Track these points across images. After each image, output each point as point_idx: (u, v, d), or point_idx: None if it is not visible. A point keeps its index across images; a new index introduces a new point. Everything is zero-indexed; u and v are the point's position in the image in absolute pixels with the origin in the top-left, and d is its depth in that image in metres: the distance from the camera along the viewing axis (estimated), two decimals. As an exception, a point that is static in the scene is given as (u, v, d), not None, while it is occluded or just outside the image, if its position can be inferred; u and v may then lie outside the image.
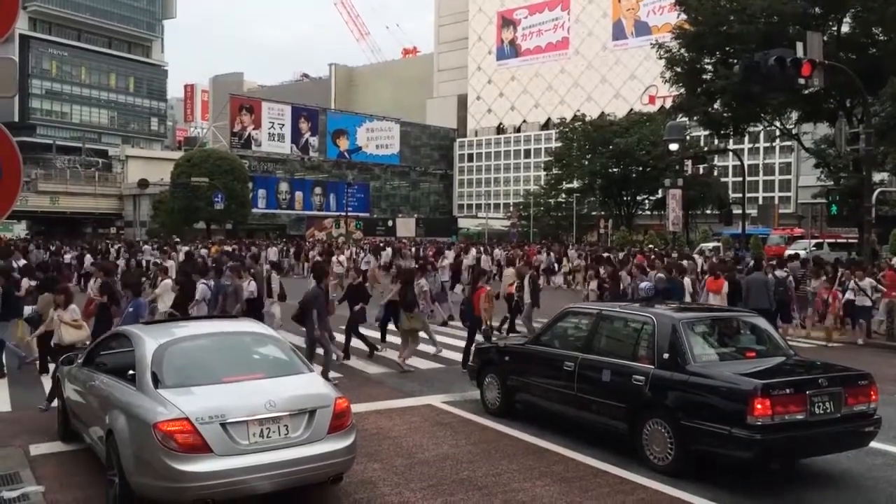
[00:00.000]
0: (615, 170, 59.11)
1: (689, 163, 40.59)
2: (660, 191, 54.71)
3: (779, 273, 17.36)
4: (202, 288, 13.47)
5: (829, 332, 16.61)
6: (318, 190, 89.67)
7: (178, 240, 44.50)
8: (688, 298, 15.75)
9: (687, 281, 16.59)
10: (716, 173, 65.71)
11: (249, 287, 13.67)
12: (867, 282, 16.58)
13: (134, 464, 5.79)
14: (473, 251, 32.27)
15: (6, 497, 6.38)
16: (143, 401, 6.02)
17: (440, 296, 19.22)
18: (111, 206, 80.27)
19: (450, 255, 34.14)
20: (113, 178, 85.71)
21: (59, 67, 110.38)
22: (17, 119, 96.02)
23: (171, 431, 5.60)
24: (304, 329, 11.98)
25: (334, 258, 25.14)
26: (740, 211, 33.64)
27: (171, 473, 5.56)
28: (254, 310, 13.01)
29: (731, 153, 47.56)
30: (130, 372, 6.44)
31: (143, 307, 10.48)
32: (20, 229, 72.30)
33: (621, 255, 28.30)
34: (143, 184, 75.16)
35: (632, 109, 79.43)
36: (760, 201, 78.94)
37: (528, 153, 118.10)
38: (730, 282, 15.80)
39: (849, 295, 16.74)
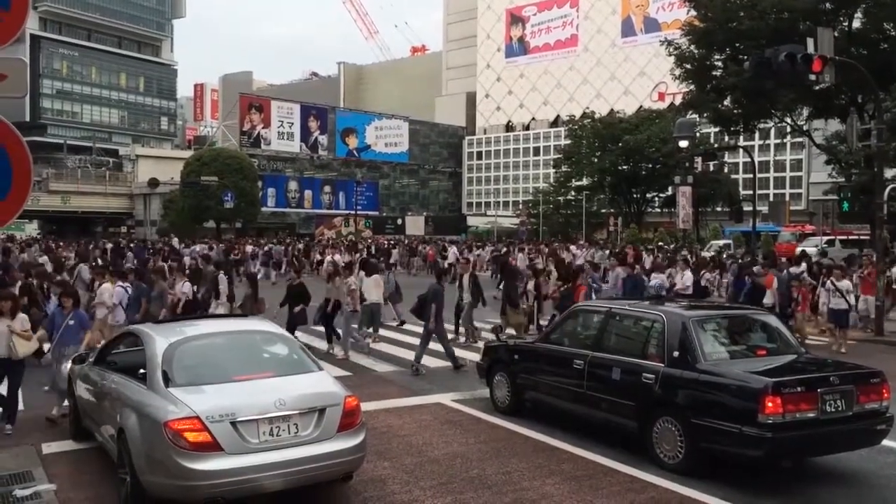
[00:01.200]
0: (625, 167, 58.94)
1: (699, 160, 40.36)
2: (669, 188, 54.52)
3: (793, 270, 17.24)
4: (118, 291, 12.53)
5: (801, 331, 15.81)
6: (327, 188, 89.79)
7: (175, 240, 42.33)
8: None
9: (709, 276, 16.56)
10: (726, 170, 65.32)
11: (183, 288, 13.24)
12: (844, 283, 15.65)
13: (145, 462, 5.82)
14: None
15: (19, 495, 6.42)
16: (153, 399, 6.05)
17: (394, 296, 18.22)
18: (122, 206, 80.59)
19: (450, 254, 33.91)
20: (123, 177, 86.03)
21: (69, 67, 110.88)
22: (28, 119, 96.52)
23: (182, 430, 5.63)
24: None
25: (328, 258, 25.00)
26: (751, 208, 33.47)
27: (181, 472, 5.59)
28: (190, 312, 12.38)
29: (741, 150, 47.34)
30: (141, 371, 6.48)
31: (85, 320, 9.51)
32: (32, 229, 72.71)
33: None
34: (154, 183, 75.38)
35: (641, 106, 79.26)
36: (771, 198, 78.55)
37: (537, 151, 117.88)
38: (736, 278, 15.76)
39: (823, 297, 15.77)
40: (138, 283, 13.28)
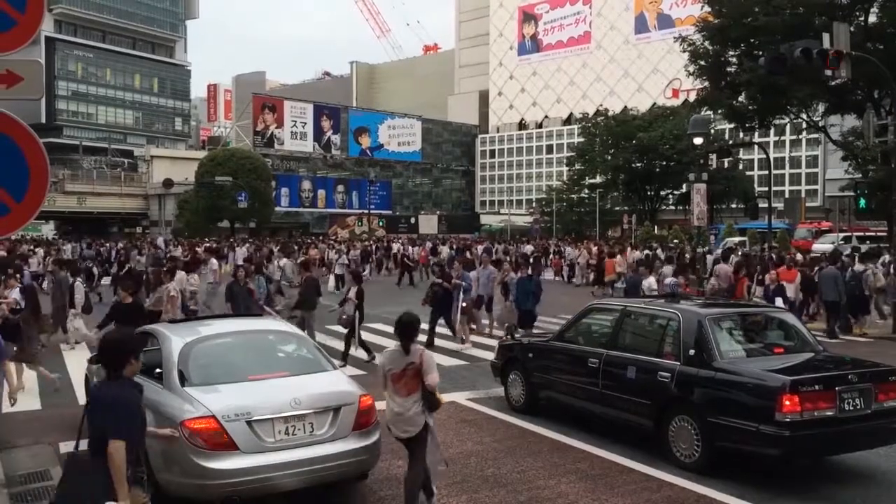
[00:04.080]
0: (638, 164, 58.73)
1: (713, 157, 40.13)
2: (684, 185, 54.24)
3: (857, 268, 17.11)
4: None
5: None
6: (340, 188, 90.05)
7: (161, 239, 41.01)
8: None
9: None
10: (741, 167, 65.07)
11: (13, 295, 11.95)
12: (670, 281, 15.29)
13: (161, 461, 5.82)
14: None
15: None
16: (169, 399, 6.07)
17: (268, 300, 16.42)
18: (137, 206, 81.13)
19: (413, 251, 33.63)
20: (138, 178, 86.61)
21: (84, 69, 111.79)
22: (43, 120, 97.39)
23: (198, 429, 5.65)
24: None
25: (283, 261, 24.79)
26: (766, 205, 33.23)
27: (197, 471, 5.61)
28: (14, 326, 10.27)
29: (756, 146, 47.01)
30: (157, 370, 6.50)
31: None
32: (48, 230, 73.31)
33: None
34: (168, 183, 75.87)
35: (655, 103, 78.63)
36: (787, 195, 77.97)
37: (550, 149, 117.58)
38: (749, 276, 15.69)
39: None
40: None
